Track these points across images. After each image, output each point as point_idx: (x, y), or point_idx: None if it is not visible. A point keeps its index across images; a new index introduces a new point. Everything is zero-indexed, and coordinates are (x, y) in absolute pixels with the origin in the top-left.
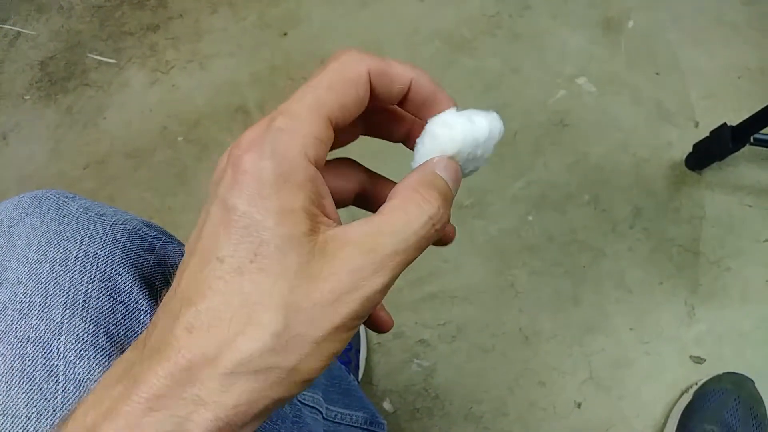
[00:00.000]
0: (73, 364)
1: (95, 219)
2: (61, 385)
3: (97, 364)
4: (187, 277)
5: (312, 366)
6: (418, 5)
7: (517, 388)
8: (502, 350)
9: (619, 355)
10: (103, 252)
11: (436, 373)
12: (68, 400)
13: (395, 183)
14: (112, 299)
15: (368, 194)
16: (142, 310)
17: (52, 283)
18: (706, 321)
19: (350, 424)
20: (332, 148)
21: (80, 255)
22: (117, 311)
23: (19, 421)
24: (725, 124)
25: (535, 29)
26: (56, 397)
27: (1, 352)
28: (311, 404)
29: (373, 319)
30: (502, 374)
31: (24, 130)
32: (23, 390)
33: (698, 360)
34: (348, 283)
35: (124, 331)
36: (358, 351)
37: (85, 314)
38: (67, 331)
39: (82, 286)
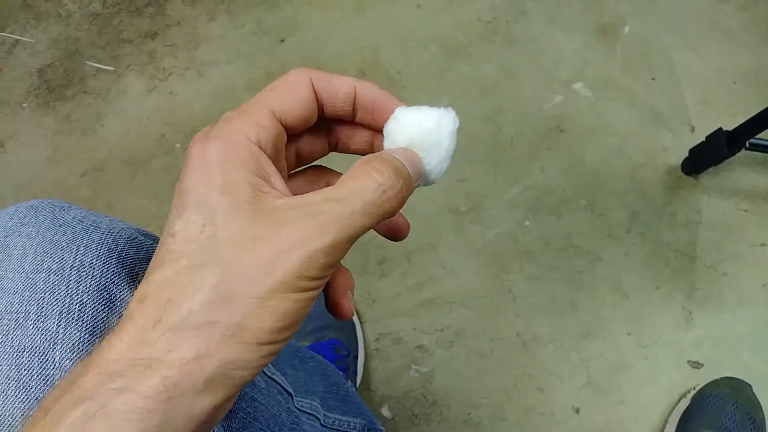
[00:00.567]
0: (69, 373)
1: (91, 228)
2: None
3: None
4: (150, 263)
5: (259, 325)
6: (415, 11)
7: (515, 393)
8: (499, 355)
9: (617, 360)
10: (98, 261)
11: (434, 378)
12: None
13: None
14: (107, 308)
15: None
16: None
17: (48, 293)
18: (704, 325)
19: (348, 430)
20: (304, 162)
21: (76, 264)
22: (112, 320)
23: (16, 431)
24: (721, 128)
25: (531, 35)
26: None
27: None
28: (309, 411)
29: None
30: (500, 379)
31: (22, 138)
32: (19, 399)
33: (696, 365)
34: (288, 243)
35: None
36: (356, 357)
37: (80, 324)
38: (63, 340)
39: (77, 295)
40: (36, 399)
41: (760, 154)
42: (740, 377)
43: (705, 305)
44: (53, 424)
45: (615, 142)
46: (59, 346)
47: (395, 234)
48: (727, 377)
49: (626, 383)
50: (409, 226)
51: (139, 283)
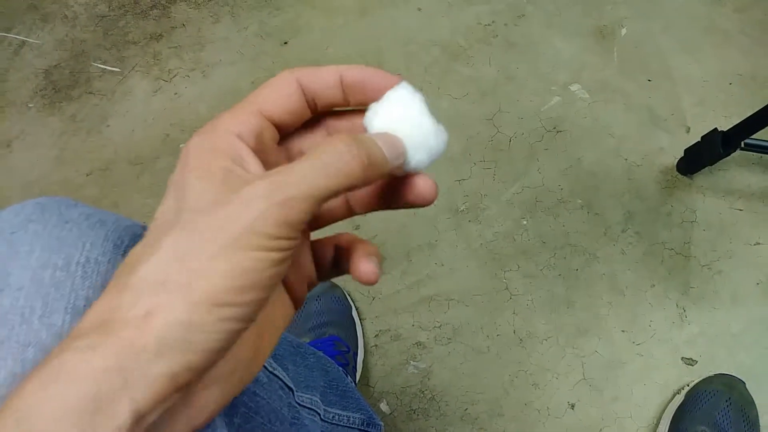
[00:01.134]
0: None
1: (97, 225)
2: None
3: None
4: None
5: (211, 283)
6: (416, 15)
7: (511, 389)
8: (496, 352)
9: (612, 357)
10: (104, 258)
11: (432, 374)
12: None
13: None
14: None
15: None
16: None
17: (54, 288)
18: (698, 323)
19: (347, 425)
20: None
21: (82, 261)
22: None
23: None
24: (716, 129)
25: (529, 38)
26: None
27: (3, 356)
28: (309, 406)
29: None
30: (496, 376)
31: (28, 138)
32: None
33: (690, 362)
34: (244, 202)
35: None
36: (356, 353)
37: None
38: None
39: (83, 291)
40: None
41: (754, 154)
42: (734, 374)
43: (699, 303)
44: (21, 386)
45: (612, 143)
46: None
47: (416, 195)
48: (720, 374)
49: (621, 380)
50: (434, 186)
51: None
